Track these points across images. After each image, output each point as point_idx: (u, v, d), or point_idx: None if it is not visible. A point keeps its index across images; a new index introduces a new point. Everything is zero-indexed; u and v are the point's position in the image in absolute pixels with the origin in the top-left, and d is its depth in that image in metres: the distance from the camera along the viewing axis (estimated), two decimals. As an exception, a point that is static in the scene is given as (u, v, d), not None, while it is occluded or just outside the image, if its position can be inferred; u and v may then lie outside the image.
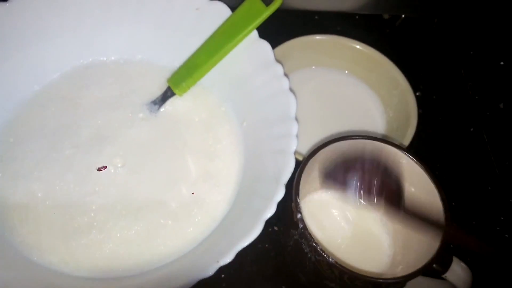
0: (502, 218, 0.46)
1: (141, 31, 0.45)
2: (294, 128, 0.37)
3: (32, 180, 0.39)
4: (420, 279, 0.38)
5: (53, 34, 0.43)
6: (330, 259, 0.30)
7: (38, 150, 0.40)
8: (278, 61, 0.40)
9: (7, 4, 0.39)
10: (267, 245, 0.43)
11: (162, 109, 0.44)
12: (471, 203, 0.47)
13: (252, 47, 0.41)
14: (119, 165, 0.40)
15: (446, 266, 0.33)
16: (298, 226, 0.31)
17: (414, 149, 0.44)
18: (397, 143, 0.37)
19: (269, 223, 0.42)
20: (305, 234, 0.31)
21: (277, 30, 0.45)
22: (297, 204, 0.32)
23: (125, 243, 0.37)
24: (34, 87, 0.43)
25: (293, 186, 0.33)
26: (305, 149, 0.43)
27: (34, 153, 0.40)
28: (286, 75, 0.39)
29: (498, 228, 0.46)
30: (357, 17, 0.59)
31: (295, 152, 0.36)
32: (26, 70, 0.42)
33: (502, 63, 0.57)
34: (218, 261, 0.31)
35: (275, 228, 0.43)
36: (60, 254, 0.36)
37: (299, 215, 0.31)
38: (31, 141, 0.41)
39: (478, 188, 0.49)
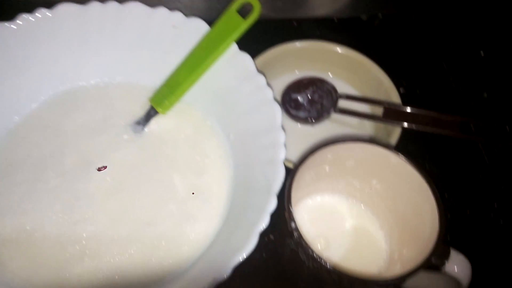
0: (495, 205, 0.47)
1: (119, 53, 0.45)
2: (281, 137, 0.36)
3: (19, 213, 0.38)
4: (419, 275, 0.38)
5: (29, 64, 0.42)
6: (328, 266, 0.29)
7: (23, 183, 0.40)
8: (260, 71, 0.40)
9: (-21, 38, 0.39)
10: (264, 255, 0.42)
11: (146, 129, 0.43)
12: (464, 193, 0.47)
13: (233, 60, 0.41)
14: (108, 190, 0.40)
15: (444, 259, 0.32)
16: (293, 235, 0.31)
17: (403, 146, 0.44)
18: (384, 143, 0.37)
19: (264, 232, 0.41)
20: (301, 243, 0.30)
21: (257, 40, 0.45)
22: (290, 213, 0.31)
23: (120, 268, 0.36)
24: (14, 119, 0.43)
25: (285, 195, 0.32)
26: (294, 155, 0.43)
27: (19, 187, 0.39)
28: (269, 85, 0.39)
29: (492, 215, 0.46)
30: (335, 20, 0.60)
31: (285, 160, 0.36)
32: (5, 102, 0.42)
33: (482, 53, 0.57)
34: (215, 278, 0.30)
35: (271, 237, 0.43)
36: (54, 286, 0.35)
37: (293, 224, 0.31)
38: (15, 174, 0.40)
39: (469, 177, 0.49)
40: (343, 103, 0.48)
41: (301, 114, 0.48)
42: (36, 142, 0.42)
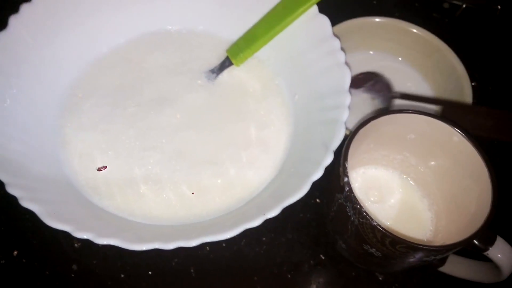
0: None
1: (204, 3, 0.47)
2: (347, 99, 0.38)
3: (98, 131, 0.42)
4: (461, 260, 0.38)
5: (124, 2, 0.46)
6: (374, 222, 0.30)
7: (104, 106, 0.44)
8: (336, 35, 0.41)
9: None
10: (308, 215, 0.44)
11: (219, 78, 0.46)
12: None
13: (311, 22, 0.42)
14: (178, 126, 0.43)
15: (489, 245, 0.33)
16: (344, 189, 0.32)
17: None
18: (450, 119, 0.37)
19: (312, 195, 0.44)
20: (351, 197, 0.32)
21: (333, 11, 0.45)
22: (345, 169, 0.33)
23: (178, 195, 0.39)
24: (103, 49, 0.47)
25: (341, 153, 0.34)
26: (351, 125, 0.44)
27: (100, 108, 0.44)
28: (343, 49, 0.40)
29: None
30: (416, 4, 0.59)
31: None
32: (97, 32, 0.46)
33: None
34: (264, 214, 0.32)
35: (318, 200, 0.45)
36: (117, 199, 0.39)
37: (346, 179, 0.32)
38: (98, 97, 0.44)
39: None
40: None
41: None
42: (119, 73, 0.46)
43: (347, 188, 0.32)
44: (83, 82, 0.45)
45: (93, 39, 0.46)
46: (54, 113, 0.42)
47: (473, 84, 0.52)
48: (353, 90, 0.47)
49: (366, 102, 0.49)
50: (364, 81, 0.49)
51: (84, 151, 0.41)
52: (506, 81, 0.54)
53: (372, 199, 0.41)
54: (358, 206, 0.31)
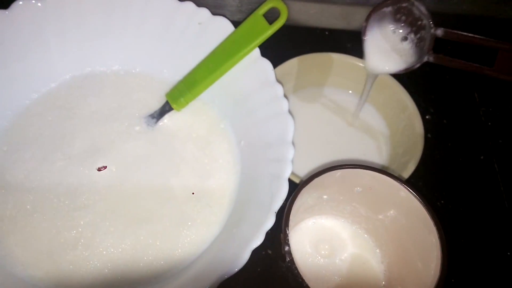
0: (509, 254, 0.44)
1: (142, 43, 0.44)
2: (290, 153, 0.35)
3: (23, 191, 0.38)
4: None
5: (53, 43, 0.42)
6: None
7: (31, 161, 0.40)
8: (278, 81, 0.39)
9: (6, 12, 0.39)
10: (259, 269, 0.41)
11: (160, 123, 0.43)
12: (477, 237, 0.45)
13: (253, 66, 0.40)
14: (112, 180, 0.39)
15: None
16: (286, 259, 0.30)
17: (420, 175, 0.42)
18: (396, 174, 0.36)
19: (262, 246, 0.40)
20: (292, 269, 0.29)
21: (283, 45, 0.43)
22: (286, 236, 0.30)
23: (111, 261, 0.36)
24: (32, 96, 0.43)
25: (283, 217, 0.31)
26: (303, 171, 0.42)
27: (26, 164, 0.40)
28: (285, 96, 0.38)
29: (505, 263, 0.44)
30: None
31: (292, 174, 0.35)
32: (25, 78, 0.42)
33: (516, 87, 0.54)
34: (201, 291, 0.30)
35: (269, 251, 0.42)
36: (43, 269, 0.35)
37: (286, 248, 0.30)
38: (24, 150, 0.40)
39: (485, 220, 0.46)
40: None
41: (384, 60, 0.39)
42: (50, 122, 0.42)
43: (288, 259, 0.30)
44: (8, 134, 0.41)
45: (21, 85, 0.42)
46: (-27, 170, 0.38)
47: (427, 117, 0.51)
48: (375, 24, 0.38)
49: (393, 47, 0.39)
50: (396, 12, 0.37)
51: (7, 214, 0.37)
52: (460, 113, 0.53)
53: (323, 252, 0.38)
54: (300, 280, 0.29)
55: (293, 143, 0.36)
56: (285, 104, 0.38)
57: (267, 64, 0.40)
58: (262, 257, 0.42)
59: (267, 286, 0.40)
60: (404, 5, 0.37)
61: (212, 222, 0.38)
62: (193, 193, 0.40)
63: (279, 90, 0.38)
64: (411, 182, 0.40)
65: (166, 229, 0.38)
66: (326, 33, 0.57)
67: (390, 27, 0.38)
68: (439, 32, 0.36)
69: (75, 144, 0.41)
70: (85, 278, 0.35)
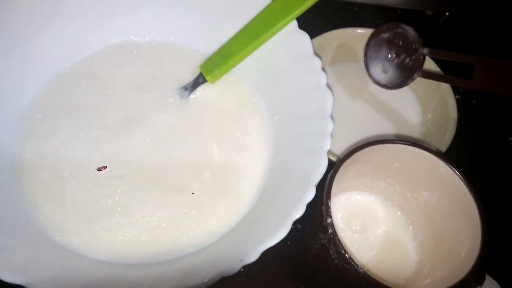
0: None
1: (176, 13, 0.44)
2: (329, 126, 0.35)
3: (59, 158, 0.38)
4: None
5: (88, 11, 0.42)
6: (360, 269, 0.28)
7: (66, 129, 0.40)
8: (316, 54, 0.39)
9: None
10: (288, 243, 0.42)
11: (192, 95, 0.43)
12: (507, 218, 0.45)
13: (290, 38, 0.40)
14: (147, 150, 0.39)
15: (478, 284, 0.31)
16: (327, 230, 0.30)
17: (449, 155, 0.42)
18: (433, 148, 0.35)
19: (292, 220, 0.41)
20: (334, 240, 0.29)
21: (314, 21, 0.43)
22: (328, 208, 0.30)
23: (148, 229, 0.36)
24: (65, 64, 0.43)
25: (324, 188, 0.32)
26: (337, 149, 0.42)
27: (61, 132, 0.40)
28: (324, 69, 0.38)
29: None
30: (398, 11, 0.57)
31: (328, 152, 0.35)
32: (58, 46, 0.42)
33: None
34: (242, 260, 0.30)
35: (298, 226, 0.42)
36: (82, 236, 0.36)
37: (329, 220, 0.30)
38: (59, 118, 0.40)
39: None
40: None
41: (383, 77, 0.44)
42: (83, 91, 0.42)
43: (331, 230, 0.30)
44: (42, 102, 0.41)
45: (54, 53, 0.42)
46: (10, 138, 0.38)
47: (456, 97, 0.50)
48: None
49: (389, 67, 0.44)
50: (392, 38, 0.42)
51: (44, 181, 0.37)
52: (489, 94, 0.52)
53: (354, 227, 0.39)
54: (343, 251, 0.29)
55: (331, 117, 0.36)
56: (323, 78, 0.37)
57: (304, 36, 0.39)
58: (291, 231, 0.42)
59: (297, 258, 0.41)
60: (399, 30, 0.42)
61: (246, 194, 0.38)
62: (226, 166, 0.40)
63: (317, 63, 0.38)
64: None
65: (201, 199, 0.38)
66: (355, 8, 0.56)
67: (387, 50, 0.44)
68: (425, 51, 0.41)
69: (109, 113, 0.41)
70: (122, 245, 0.36)
